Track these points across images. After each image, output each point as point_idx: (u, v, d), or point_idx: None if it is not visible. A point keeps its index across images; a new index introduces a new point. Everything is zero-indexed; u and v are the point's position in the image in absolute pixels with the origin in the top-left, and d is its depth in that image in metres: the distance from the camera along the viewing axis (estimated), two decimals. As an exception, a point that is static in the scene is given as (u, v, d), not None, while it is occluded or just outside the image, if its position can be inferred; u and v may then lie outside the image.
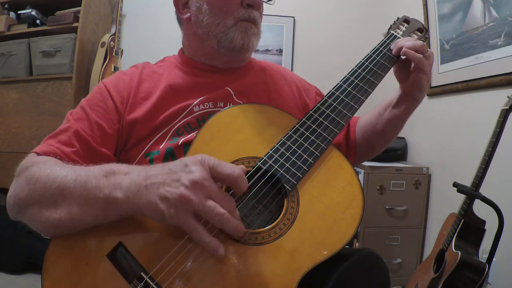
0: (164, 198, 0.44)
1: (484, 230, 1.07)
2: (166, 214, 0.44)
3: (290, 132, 0.61)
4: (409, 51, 0.68)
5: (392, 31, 0.77)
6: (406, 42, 0.69)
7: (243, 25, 0.71)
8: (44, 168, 0.54)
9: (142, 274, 0.46)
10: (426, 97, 1.81)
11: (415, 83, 0.71)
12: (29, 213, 0.53)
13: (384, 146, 0.85)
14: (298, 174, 0.56)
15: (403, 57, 0.71)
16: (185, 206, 0.44)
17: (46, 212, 0.51)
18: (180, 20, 0.81)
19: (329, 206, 0.54)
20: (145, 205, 0.46)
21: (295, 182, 0.55)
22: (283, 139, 0.59)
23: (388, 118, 0.78)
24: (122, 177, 0.48)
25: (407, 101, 0.75)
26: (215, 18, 0.71)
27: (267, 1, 0.77)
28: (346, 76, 0.70)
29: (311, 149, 0.58)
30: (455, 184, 1.10)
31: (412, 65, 0.71)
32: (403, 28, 0.79)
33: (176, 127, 0.68)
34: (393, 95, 0.79)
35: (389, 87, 0.85)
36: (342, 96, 0.66)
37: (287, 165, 0.56)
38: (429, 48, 1.81)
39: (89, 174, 0.50)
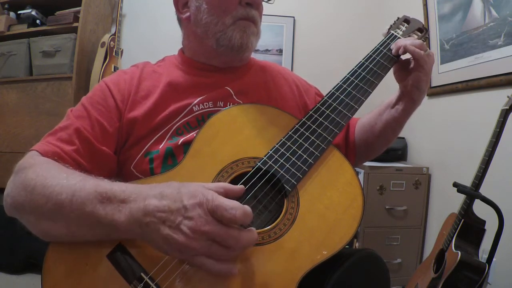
0: (167, 241, 0.43)
1: (484, 230, 1.07)
2: (171, 254, 0.45)
3: (290, 133, 0.60)
4: (410, 47, 0.68)
5: (392, 31, 0.77)
6: (406, 41, 0.69)
7: (242, 24, 0.71)
8: (40, 175, 0.52)
9: (142, 274, 0.46)
10: (426, 97, 1.81)
11: (414, 82, 0.71)
12: (27, 219, 0.53)
13: (384, 147, 0.85)
14: (298, 174, 0.55)
15: (403, 57, 0.71)
16: (188, 252, 0.43)
17: (44, 224, 0.50)
18: (180, 20, 0.81)
19: (329, 206, 0.54)
20: (149, 240, 0.46)
21: (295, 183, 0.55)
22: (283, 139, 0.59)
23: (387, 118, 0.78)
24: (120, 207, 0.47)
25: (406, 102, 0.75)
26: (214, 17, 0.71)
27: (267, 0, 0.77)
28: (346, 76, 0.69)
29: (311, 149, 0.58)
30: (455, 184, 1.10)
31: (412, 64, 0.71)
32: (403, 28, 0.79)
33: (175, 126, 0.68)
34: (393, 95, 0.79)
35: (390, 88, 0.85)
36: (342, 96, 0.66)
37: (287, 165, 0.56)
38: (429, 48, 1.82)
39: (84, 195, 0.48)
